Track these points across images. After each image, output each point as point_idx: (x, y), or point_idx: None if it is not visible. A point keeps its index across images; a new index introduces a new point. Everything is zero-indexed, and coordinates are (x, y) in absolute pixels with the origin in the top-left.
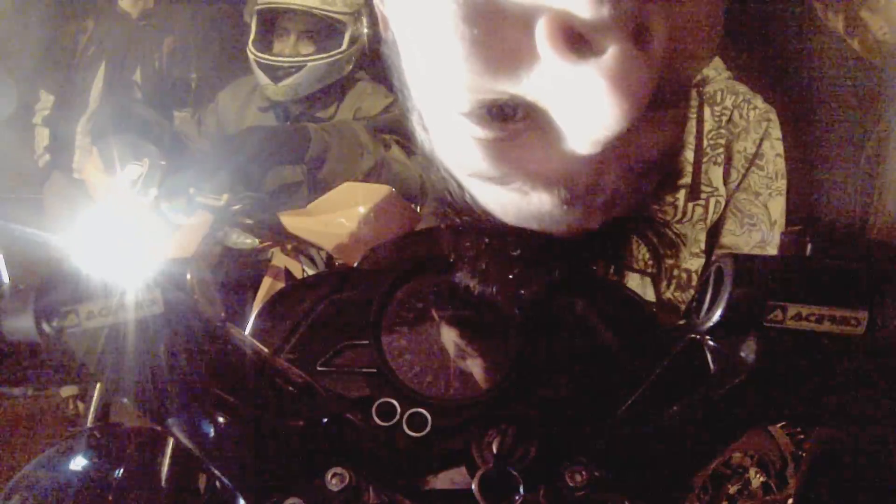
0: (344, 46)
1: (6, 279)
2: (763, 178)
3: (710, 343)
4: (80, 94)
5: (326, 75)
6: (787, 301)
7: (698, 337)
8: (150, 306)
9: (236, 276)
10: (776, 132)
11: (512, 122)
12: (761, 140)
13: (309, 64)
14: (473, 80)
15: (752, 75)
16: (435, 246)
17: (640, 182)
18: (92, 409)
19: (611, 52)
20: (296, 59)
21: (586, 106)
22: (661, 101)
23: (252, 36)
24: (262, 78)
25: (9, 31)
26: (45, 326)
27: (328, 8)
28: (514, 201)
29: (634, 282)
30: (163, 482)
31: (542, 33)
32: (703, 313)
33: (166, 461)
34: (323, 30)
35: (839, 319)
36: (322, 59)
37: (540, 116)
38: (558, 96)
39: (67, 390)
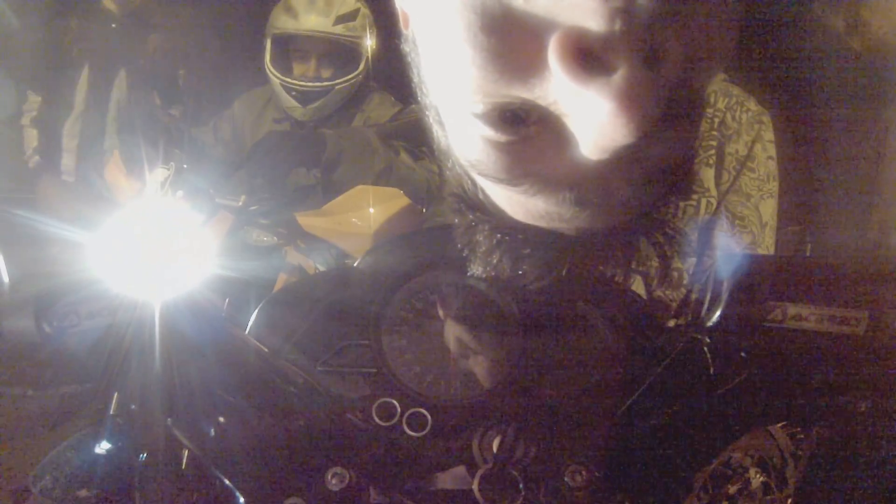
0: (361, 66)
1: (6, 279)
2: (754, 181)
3: (710, 343)
4: (65, 96)
5: (348, 95)
6: (787, 301)
7: (698, 337)
8: (151, 306)
9: (255, 272)
10: (768, 134)
11: (524, 126)
12: (753, 142)
13: (336, 88)
14: (488, 84)
15: (750, 76)
16: (433, 245)
17: (651, 186)
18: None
19: (621, 73)
20: (324, 83)
21: (595, 120)
22: (673, 111)
23: (268, 57)
24: (289, 101)
25: (8, 31)
26: (45, 326)
27: (350, 34)
28: (522, 201)
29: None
30: (184, 466)
31: (553, 50)
32: (702, 313)
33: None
34: (342, 53)
35: (839, 319)
36: (347, 81)
37: (552, 121)
38: (569, 105)
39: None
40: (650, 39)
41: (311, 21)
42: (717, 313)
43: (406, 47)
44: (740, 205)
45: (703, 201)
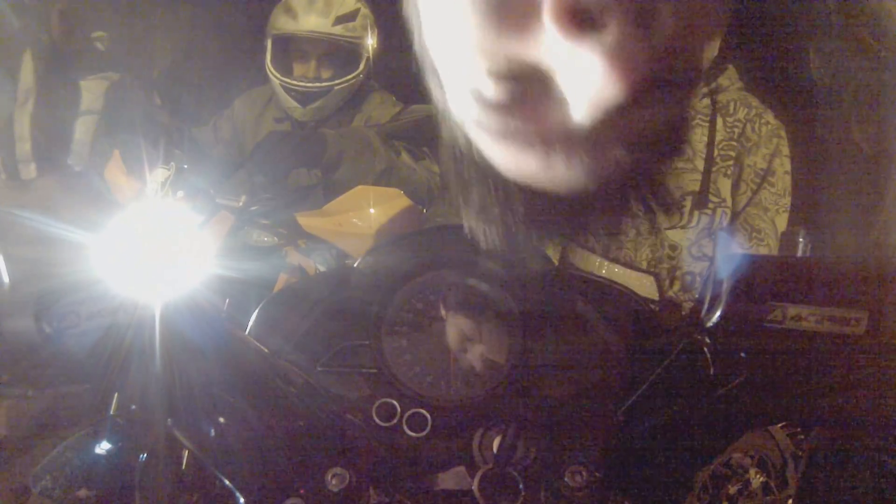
0: (361, 67)
1: (6, 279)
2: (773, 195)
3: (710, 343)
4: None
5: (348, 95)
6: (787, 301)
7: (698, 337)
8: (151, 306)
9: (255, 272)
10: (786, 149)
11: (519, 85)
12: (772, 156)
13: (336, 88)
14: (485, 43)
15: (754, 76)
16: (433, 245)
17: (642, 148)
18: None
19: (611, 30)
20: (323, 84)
21: (587, 77)
22: (666, 75)
23: (268, 57)
24: (289, 101)
25: (10, 31)
26: (45, 327)
27: (349, 35)
28: (516, 160)
29: (638, 280)
30: (184, 466)
31: (548, 8)
32: (702, 313)
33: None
34: (342, 53)
35: (839, 320)
36: (346, 82)
37: (546, 80)
38: (562, 63)
39: None
40: None
41: (311, 22)
42: (717, 313)
43: (407, 9)
44: (758, 218)
45: (719, 211)
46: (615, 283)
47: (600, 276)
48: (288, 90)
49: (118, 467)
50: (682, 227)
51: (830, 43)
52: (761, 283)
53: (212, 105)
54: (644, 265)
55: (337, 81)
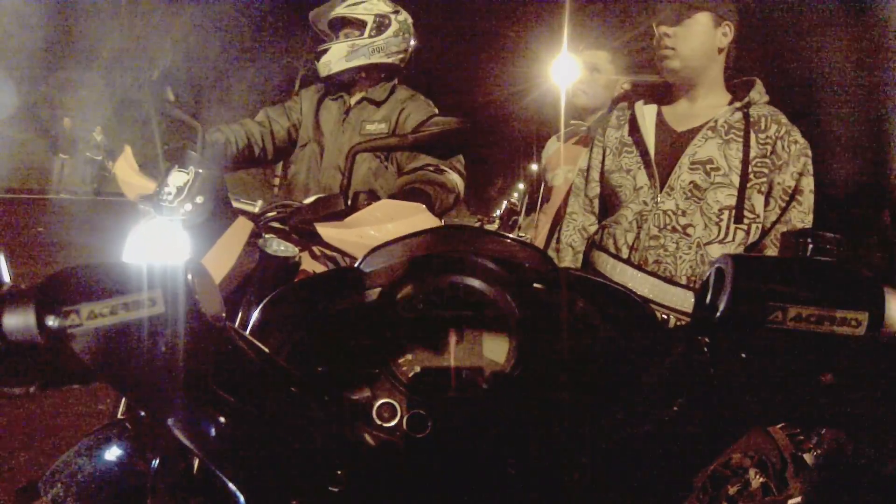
0: (365, 36)
1: (7, 279)
2: (800, 213)
3: (710, 343)
4: None
5: (350, 57)
6: (788, 302)
7: (698, 337)
8: (151, 306)
9: (271, 279)
10: (811, 167)
11: None
12: (800, 175)
13: (333, 47)
14: None
15: (760, 76)
16: (434, 246)
17: None
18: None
19: None
20: (327, 45)
21: None
22: None
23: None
24: (316, 60)
25: (11, 30)
26: (47, 326)
27: (348, 12)
28: None
29: (683, 295)
30: (194, 470)
31: None
32: (702, 313)
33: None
34: (352, 30)
35: (839, 320)
36: (340, 42)
37: None
38: None
39: None
40: None
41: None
42: (718, 313)
43: None
44: None
45: (754, 226)
46: (615, 283)
47: (599, 277)
48: (314, 52)
49: (129, 472)
50: (721, 242)
51: (829, 45)
52: (761, 283)
53: (211, 106)
54: (683, 280)
55: (335, 42)
